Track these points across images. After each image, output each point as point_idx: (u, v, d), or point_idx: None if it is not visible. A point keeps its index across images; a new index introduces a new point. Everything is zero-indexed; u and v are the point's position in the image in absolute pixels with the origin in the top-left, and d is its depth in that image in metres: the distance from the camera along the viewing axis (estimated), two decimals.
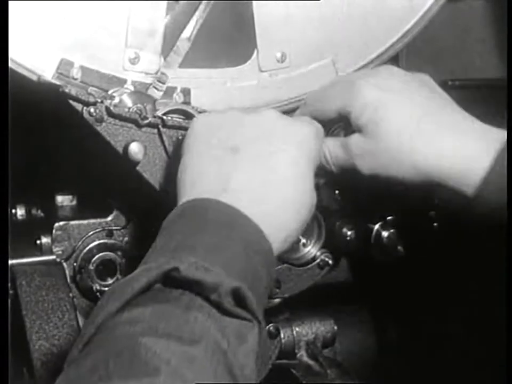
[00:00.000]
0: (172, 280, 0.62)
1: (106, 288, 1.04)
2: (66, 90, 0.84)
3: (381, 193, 0.89)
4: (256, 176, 0.72)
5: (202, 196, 0.70)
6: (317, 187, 0.79)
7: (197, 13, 0.93)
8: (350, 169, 0.83)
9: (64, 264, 1.02)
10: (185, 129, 0.88)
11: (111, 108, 0.85)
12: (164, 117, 0.88)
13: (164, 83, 0.93)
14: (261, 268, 0.67)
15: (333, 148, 0.83)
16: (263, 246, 0.69)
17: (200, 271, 0.62)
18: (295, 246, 0.93)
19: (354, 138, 0.82)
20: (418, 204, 0.92)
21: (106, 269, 1.04)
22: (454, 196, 0.78)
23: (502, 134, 0.77)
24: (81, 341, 0.61)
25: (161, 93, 0.93)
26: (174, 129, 0.88)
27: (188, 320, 0.59)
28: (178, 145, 0.83)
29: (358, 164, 0.81)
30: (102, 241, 1.03)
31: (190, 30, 0.94)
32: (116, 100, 0.87)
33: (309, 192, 0.75)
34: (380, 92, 0.80)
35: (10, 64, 0.85)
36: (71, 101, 0.84)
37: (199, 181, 0.72)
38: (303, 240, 0.95)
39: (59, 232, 1.02)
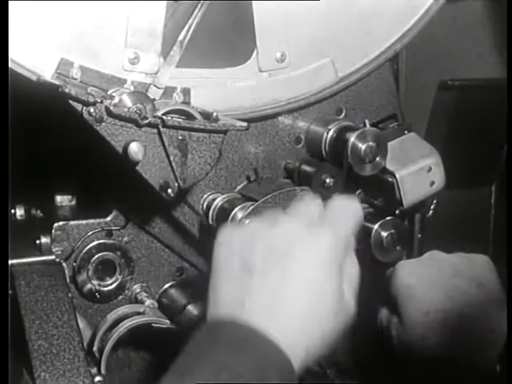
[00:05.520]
0: None
1: (105, 288, 1.05)
2: (66, 90, 0.83)
3: None
4: (273, 292, 0.73)
5: (222, 315, 0.73)
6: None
7: (197, 12, 0.93)
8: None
9: (64, 264, 1.02)
10: (185, 129, 0.88)
11: (111, 108, 0.85)
12: (164, 117, 0.87)
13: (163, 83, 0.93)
14: (276, 379, 0.69)
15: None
16: (278, 358, 0.70)
17: None
18: None
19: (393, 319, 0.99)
20: None
21: (105, 269, 1.04)
22: None
23: None
24: None
25: (160, 93, 0.94)
26: (174, 129, 0.88)
27: None
28: None
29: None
30: (101, 241, 1.04)
31: (188, 29, 0.94)
32: (116, 100, 0.87)
33: (335, 302, 0.74)
34: (408, 278, 0.96)
35: (10, 64, 0.86)
36: (70, 101, 0.84)
37: (220, 301, 0.75)
38: None
39: (58, 232, 1.02)
